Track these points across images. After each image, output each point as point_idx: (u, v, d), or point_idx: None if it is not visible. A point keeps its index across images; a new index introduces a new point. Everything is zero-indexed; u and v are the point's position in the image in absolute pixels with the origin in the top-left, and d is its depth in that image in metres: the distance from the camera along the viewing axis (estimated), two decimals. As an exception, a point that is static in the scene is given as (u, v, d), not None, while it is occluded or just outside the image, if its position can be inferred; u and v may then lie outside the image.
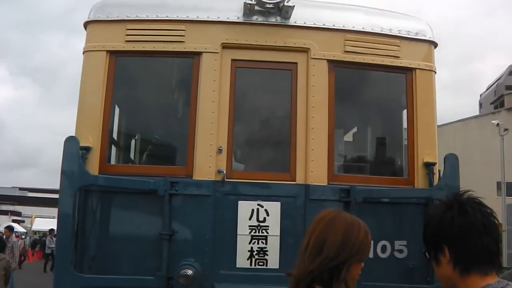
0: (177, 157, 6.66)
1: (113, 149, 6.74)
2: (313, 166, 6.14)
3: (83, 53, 6.52)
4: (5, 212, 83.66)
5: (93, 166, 6.02)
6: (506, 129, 42.34)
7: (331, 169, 6.28)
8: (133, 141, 7.33)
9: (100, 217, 6.12)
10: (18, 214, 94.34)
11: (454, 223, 2.36)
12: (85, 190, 5.92)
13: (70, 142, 5.85)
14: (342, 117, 6.99)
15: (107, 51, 6.39)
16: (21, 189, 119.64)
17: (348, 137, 7.87)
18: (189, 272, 5.60)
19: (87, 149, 6.00)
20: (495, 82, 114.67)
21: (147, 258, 5.95)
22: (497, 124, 43.19)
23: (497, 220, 2.43)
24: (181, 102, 6.94)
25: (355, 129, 7.99)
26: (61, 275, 5.74)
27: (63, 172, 5.80)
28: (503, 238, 37.58)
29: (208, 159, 6.06)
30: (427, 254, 2.51)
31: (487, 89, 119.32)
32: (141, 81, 7.25)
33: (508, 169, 52.06)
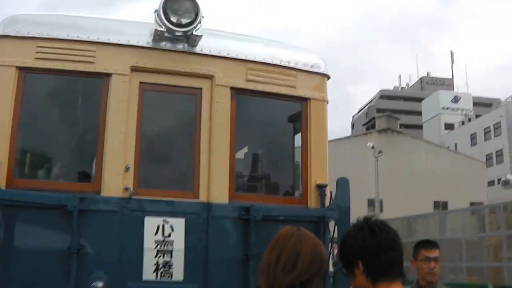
0: (85, 174, 6.82)
1: (21, 165, 6.76)
2: (215, 185, 6.53)
3: None
4: None
5: (1, 181, 6.05)
6: (380, 151, 44.74)
7: (232, 189, 6.70)
8: (40, 158, 7.33)
9: (7, 232, 6.13)
10: None
11: (365, 241, 2.86)
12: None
13: None
14: (242, 140, 7.44)
15: (16, 66, 6.43)
16: None
17: (248, 159, 8.34)
18: (100, 284, 5.81)
19: None
20: (367, 104, 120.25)
21: (56, 273, 6.03)
22: (372, 147, 45.51)
23: (399, 238, 2.96)
24: (89, 121, 7.09)
25: (252, 151, 8.47)
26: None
27: None
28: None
29: (116, 177, 6.29)
30: (343, 269, 2.99)
31: (359, 111, 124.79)
32: (50, 99, 7.31)
33: (382, 187, 55.09)
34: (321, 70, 7.45)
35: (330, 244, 6.74)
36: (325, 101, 7.36)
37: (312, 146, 7.12)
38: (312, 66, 7.37)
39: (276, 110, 7.66)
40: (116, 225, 6.18)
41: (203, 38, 6.68)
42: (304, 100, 7.22)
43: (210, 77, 6.81)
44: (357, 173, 48.60)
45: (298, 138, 7.45)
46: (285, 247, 3.07)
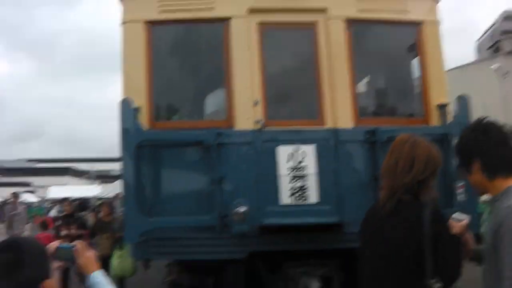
0: (219, 111, 7.37)
1: (159, 108, 7.41)
2: (339, 112, 6.89)
3: (121, 24, 7.19)
4: (15, 184, 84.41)
5: (144, 124, 6.76)
6: (507, 72, 42.76)
7: (356, 114, 7.02)
8: (175, 100, 7.95)
9: (155, 169, 6.87)
10: (28, 185, 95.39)
11: (479, 139, 3.08)
12: (141, 146, 6.63)
13: (124, 103, 6.56)
14: (361, 67, 7.69)
15: (144, 21, 7.09)
16: (28, 160, 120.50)
17: (370, 84, 8.59)
18: (241, 209, 6.35)
19: (137, 110, 6.69)
20: (491, 27, 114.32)
21: (201, 202, 6.72)
22: (497, 69, 43.60)
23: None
24: (216, 63, 7.55)
25: (373, 77, 8.71)
26: (129, 220, 6.53)
27: (122, 130, 6.52)
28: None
29: (247, 111, 6.82)
30: (461, 168, 3.23)
31: (483, 35, 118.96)
32: (178, 47, 7.92)
33: (504, 114, 52.66)
34: (431, -7, 7.48)
35: None
36: (437, 23, 7.44)
37: (429, 67, 7.27)
38: (422, -10, 7.43)
39: (392, 36, 7.81)
40: (251, 155, 6.73)
41: (313, -27, 6.94)
42: (417, 24, 7.36)
43: (323, 10, 7.10)
44: (483, 100, 47.08)
45: (416, 61, 7.59)
46: (402, 151, 3.41)
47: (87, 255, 2.83)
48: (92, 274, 2.82)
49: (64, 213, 12.17)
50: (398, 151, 3.45)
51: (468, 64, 61.05)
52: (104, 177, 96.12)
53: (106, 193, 55.61)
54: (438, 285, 3.14)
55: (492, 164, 3.04)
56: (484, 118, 3.22)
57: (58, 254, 2.73)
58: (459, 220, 3.39)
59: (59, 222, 12.07)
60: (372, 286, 3.39)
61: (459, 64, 62.47)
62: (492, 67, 45.29)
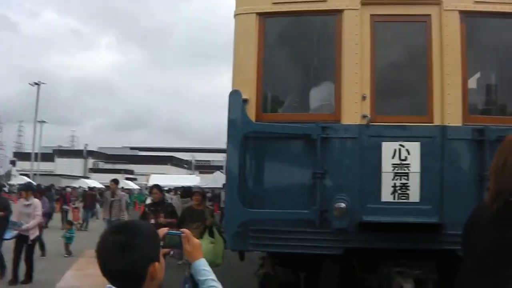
0: (325, 106, 7.31)
1: (267, 100, 7.49)
2: (449, 108, 6.68)
3: (235, 16, 7.28)
4: (118, 171, 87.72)
5: (250, 116, 6.84)
6: None
7: (465, 111, 6.78)
8: (283, 93, 8.00)
9: (259, 160, 6.95)
10: (131, 172, 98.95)
11: None
12: (246, 137, 6.75)
13: (234, 95, 6.70)
14: (474, 63, 7.42)
15: (257, 13, 7.15)
16: (132, 148, 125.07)
17: (481, 81, 8.28)
18: (342, 205, 6.32)
19: (245, 101, 6.81)
20: None
21: (301, 196, 6.74)
22: None
23: None
24: (326, 56, 7.59)
25: (484, 72, 8.37)
26: (230, 210, 6.67)
27: (230, 121, 6.66)
28: None
29: (354, 106, 6.75)
30: None
31: None
32: (288, 39, 7.93)
33: None
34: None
35: None
36: None
37: None
38: (544, -21, 7.04)
39: (507, 29, 7.45)
40: (356, 150, 6.68)
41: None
42: None
43: (438, 3, 6.89)
44: None
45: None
46: (510, 152, 3.18)
47: (193, 242, 2.91)
48: (197, 261, 2.90)
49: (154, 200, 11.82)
50: (507, 152, 3.23)
51: None
52: (204, 167, 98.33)
53: (205, 183, 56.96)
54: None
55: None
56: None
57: (166, 240, 2.81)
58: None
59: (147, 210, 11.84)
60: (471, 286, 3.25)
61: None
62: None
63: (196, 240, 2.95)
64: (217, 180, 54.15)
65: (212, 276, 2.89)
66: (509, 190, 3.13)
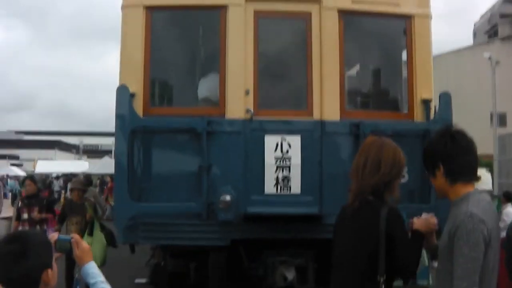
0: (211, 99, 7.50)
1: (153, 95, 7.60)
2: (327, 103, 7.05)
3: (122, 8, 7.28)
4: (2, 156, 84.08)
5: (137, 110, 6.91)
6: (497, 62, 42.98)
7: (343, 106, 7.19)
8: (170, 87, 8.17)
9: (146, 154, 7.06)
10: (16, 157, 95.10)
11: (446, 146, 3.27)
12: (134, 131, 6.84)
13: (122, 90, 6.76)
14: (352, 60, 7.86)
15: (144, 6, 7.17)
16: (17, 132, 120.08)
17: (358, 78, 8.76)
18: (228, 197, 6.57)
19: (132, 95, 6.86)
20: (489, 10, 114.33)
21: (188, 188, 6.93)
22: (489, 58, 43.78)
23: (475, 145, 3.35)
24: (210, 51, 7.79)
25: (360, 69, 8.86)
26: (120, 204, 6.78)
27: (118, 117, 6.73)
28: (494, 167, 38.97)
29: (238, 101, 6.97)
30: (426, 170, 3.43)
31: (481, 18, 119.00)
32: (175, 33, 8.03)
33: (503, 100, 53.13)
34: (424, -14, 7.61)
35: None
36: (428, 17, 7.57)
37: (417, 62, 7.41)
38: (414, -16, 7.56)
39: (382, 28, 7.95)
40: (240, 144, 6.92)
41: (308, -36, 7.07)
42: (408, 17, 7.47)
43: (318, 1, 7.22)
44: (479, 85, 47.43)
45: (404, 55, 7.73)
46: (369, 153, 3.59)
47: (82, 246, 3.04)
48: (86, 265, 3.03)
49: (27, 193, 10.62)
50: (366, 153, 3.63)
51: (463, 49, 61.33)
52: (93, 152, 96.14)
53: (94, 169, 55.75)
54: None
55: (455, 170, 3.26)
56: (453, 126, 3.48)
57: (57, 245, 2.93)
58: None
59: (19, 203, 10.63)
60: (334, 279, 3.61)
61: (456, 47, 62.90)
62: (485, 55, 45.34)
63: (85, 245, 3.06)
64: (106, 165, 53.22)
65: (101, 278, 3.02)
66: (369, 189, 3.51)
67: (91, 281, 3.01)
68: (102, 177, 43.75)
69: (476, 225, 2.99)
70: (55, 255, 2.83)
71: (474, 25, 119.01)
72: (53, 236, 2.95)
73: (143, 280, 9.62)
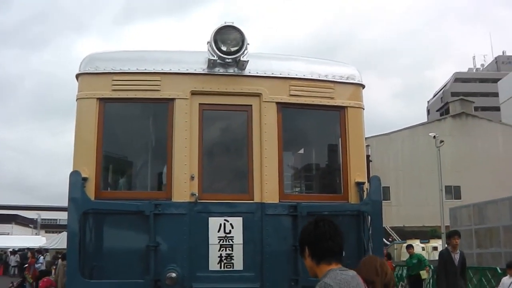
0: (158, 184, 8.10)
1: (105, 179, 8.12)
2: (267, 188, 7.66)
3: (76, 100, 7.88)
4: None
5: (90, 193, 7.39)
6: (441, 141, 44.66)
7: (282, 190, 7.80)
8: (121, 173, 8.70)
9: (98, 234, 7.51)
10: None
11: (311, 234, 3.96)
12: (86, 213, 7.27)
13: (75, 175, 7.24)
14: (290, 148, 8.54)
15: (97, 98, 7.78)
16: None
17: (296, 164, 9.44)
18: (173, 274, 7.04)
19: (85, 179, 7.36)
20: (442, 89, 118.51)
21: (137, 266, 7.34)
22: (434, 137, 45.47)
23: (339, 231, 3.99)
24: (159, 140, 8.35)
25: (299, 154, 9.57)
26: (72, 281, 7.11)
27: (70, 200, 7.16)
28: (443, 238, 39.94)
29: (183, 185, 7.52)
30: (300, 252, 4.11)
31: (434, 96, 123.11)
32: (125, 122, 8.66)
33: (457, 174, 54.68)
34: (356, 80, 8.47)
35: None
36: (361, 107, 8.35)
37: (351, 149, 8.12)
38: (347, 78, 8.39)
39: (319, 119, 8.70)
40: (185, 225, 7.43)
41: (250, 61, 7.83)
42: (342, 108, 8.23)
43: (258, 95, 7.95)
44: (433, 160, 48.89)
45: (339, 143, 8.41)
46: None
47: None
48: None
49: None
50: None
51: (417, 125, 63.36)
52: (51, 226, 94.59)
53: (52, 244, 54.99)
54: None
55: (317, 253, 3.92)
56: (321, 216, 4.35)
57: None
58: None
59: None
60: None
61: (411, 124, 64.85)
62: (430, 134, 47.08)
63: None
64: (64, 240, 52.69)
65: None
66: None
67: None
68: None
69: None
70: None
71: (428, 103, 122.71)
72: None
73: None
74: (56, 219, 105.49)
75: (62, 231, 59.60)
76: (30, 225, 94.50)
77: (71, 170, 7.38)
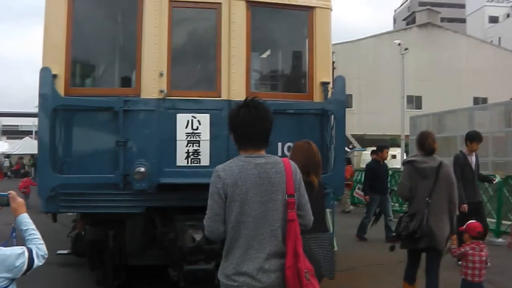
0: (127, 80, 8.17)
1: (74, 76, 8.10)
2: (234, 85, 7.79)
3: None
4: None
5: (59, 90, 7.42)
6: (406, 48, 45.04)
7: (248, 87, 7.95)
8: (90, 69, 8.68)
9: (67, 131, 7.58)
10: None
11: (232, 119, 3.95)
12: (56, 109, 7.34)
13: (45, 71, 7.23)
14: (256, 45, 8.61)
15: None
16: None
17: (264, 62, 9.55)
18: (142, 169, 7.23)
19: (54, 76, 7.36)
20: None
21: (107, 162, 7.52)
22: (399, 44, 45.74)
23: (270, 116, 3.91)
24: (128, 37, 8.35)
25: (267, 53, 9.67)
26: (42, 176, 7.29)
27: (40, 96, 7.18)
28: (402, 145, 40.93)
29: (152, 82, 7.61)
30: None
31: (401, 5, 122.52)
32: (95, 20, 8.59)
33: (419, 83, 55.32)
34: (325, -20, 8.45)
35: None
36: (329, 8, 8.41)
37: (317, 49, 8.24)
38: (317, -23, 8.38)
39: (287, 18, 8.75)
40: (154, 121, 7.59)
41: (219, -44, 7.78)
42: (310, 8, 8.29)
43: None
44: (396, 69, 49.37)
45: (306, 43, 8.52)
46: None
47: (17, 201, 3.77)
48: (20, 215, 3.76)
49: None
50: None
51: (383, 34, 63.32)
52: (12, 132, 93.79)
53: (14, 149, 54.84)
54: None
55: (237, 139, 3.94)
56: (251, 98, 4.00)
57: None
58: None
59: None
60: None
61: (376, 32, 64.67)
62: (395, 41, 47.32)
63: (20, 199, 3.80)
64: (26, 146, 52.62)
65: (33, 226, 3.75)
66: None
67: (24, 228, 3.73)
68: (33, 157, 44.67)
69: (213, 179, 3.80)
70: None
71: (394, 11, 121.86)
72: None
73: (64, 251, 10.06)
74: (18, 125, 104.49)
75: (24, 137, 59.33)
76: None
77: (41, 67, 7.36)
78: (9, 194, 3.75)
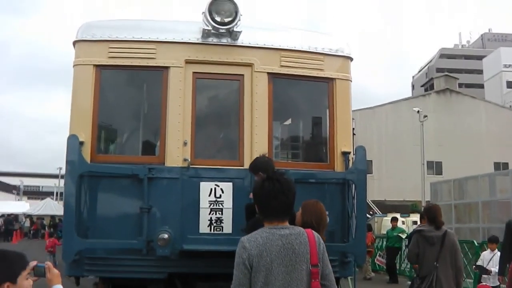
0: (152, 149, 8.38)
1: (100, 143, 8.37)
2: (256, 155, 7.84)
3: (73, 66, 8.10)
4: None
5: (86, 157, 7.65)
6: (425, 116, 45.27)
7: (270, 157, 8.07)
8: (116, 137, 8.99)
9: (93, 196, 7.78)
10: None
11: (257, 191, 4.10)
12: (82, 176, 7.54)
13: (72, 138, 7.46)
14: (278, 115, 8.82)
15: (94, 65, 8.02)
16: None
17: (285, 132, 9.76)
18: (165, 236, 7.34)
19: (81, 143, 7.60)
20: (427, 64, 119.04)
21: (131, 227, 7.66)
22: (418, 111, 46.02)
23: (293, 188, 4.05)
24: (153, 106, 8.62)
25: (288, 122, 9.89)
26: (68, 240, 7.41)
27: (67, 162, 7.39)
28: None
29: (176, 151, 7.82)
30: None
31: (419, 71, 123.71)
32: (121, 89, 8.94)
33: (436, 150, 55.29)
34: (345, 53, 8.74)
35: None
36: (349, 80, 8.64)
37: (337, 119, 8.43)
38: (337, 50, 8.66)
39: (308, 89, 8.99)
40: (177, 189, 7.75)
41: (243, 32, 8.07)
42: (330, 80, 8.51)
43: (250, 65, 8.20)
44: (415, 135, 49.49)
45: (327, 113, 8.70)
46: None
47: (53, 272, 3.89)
48: (54, 286, 3.88)
49: None
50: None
51: (401, 100, 63.72)
52: (33, 193, 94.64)
53: (35, 210, 55.22)
54: None
55: (263, 211, 4.06)
56: (274, 174, 4.19)
57: (35, 270, 3.77)
58: None
59: None
60: None
61: (395, 98, 65.19)
62: (414, 109, 47.60)
63: (55, 270, 3.90)
64: (47, 207, 53.06)
65: None
66: None
67: None
68: (53, 218, 45.09)
69: (238, 250, 3.95)
70: (32, 278, 3.68)
71: (413, 78, 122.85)
72: (32, 262, 3.77)
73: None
74: (39, 186, 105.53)
75: (45, 198, 59.77)
76: (13, 191, 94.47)
77: (68, 135, 7.60)
78: (46, 265, 3.89)
